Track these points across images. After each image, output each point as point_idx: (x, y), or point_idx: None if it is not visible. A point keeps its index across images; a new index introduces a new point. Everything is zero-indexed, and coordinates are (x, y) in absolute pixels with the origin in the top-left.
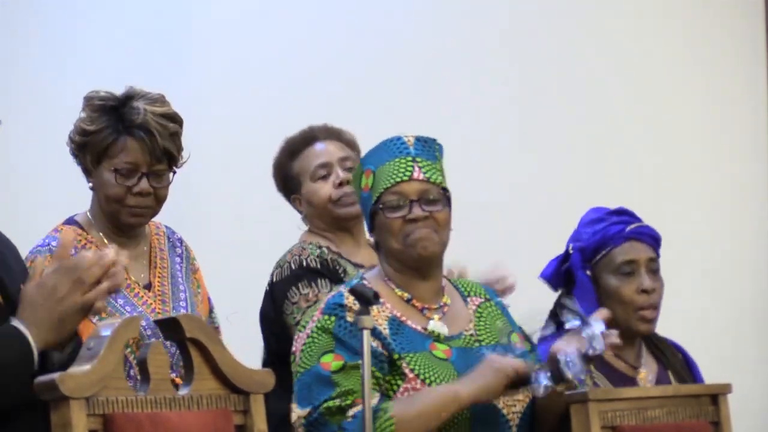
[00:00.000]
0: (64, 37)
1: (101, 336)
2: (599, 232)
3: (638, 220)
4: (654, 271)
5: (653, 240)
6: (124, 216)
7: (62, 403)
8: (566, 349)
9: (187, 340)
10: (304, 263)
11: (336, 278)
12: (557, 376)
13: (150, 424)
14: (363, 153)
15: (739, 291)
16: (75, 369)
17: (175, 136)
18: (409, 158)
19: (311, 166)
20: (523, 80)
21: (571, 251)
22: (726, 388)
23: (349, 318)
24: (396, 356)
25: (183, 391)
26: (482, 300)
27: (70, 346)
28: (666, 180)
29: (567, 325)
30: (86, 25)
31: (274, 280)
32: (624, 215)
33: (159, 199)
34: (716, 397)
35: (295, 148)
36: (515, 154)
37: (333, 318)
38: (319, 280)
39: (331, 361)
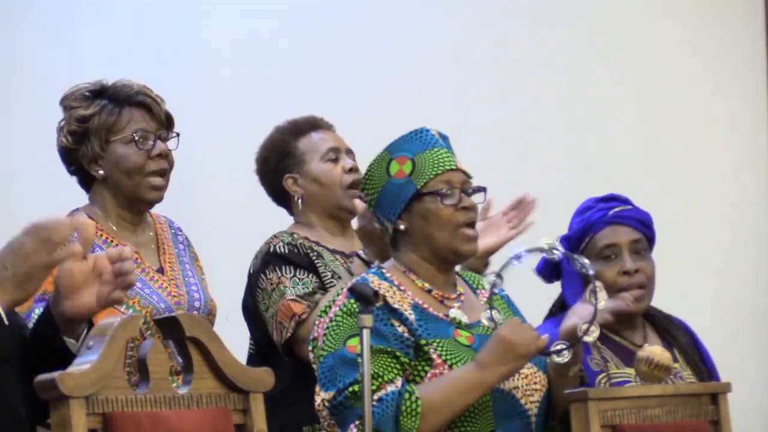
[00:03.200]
0: (63, 34)
1: (101, 335)
2: (584, 220)
3: (626, 204)
4: (638, 252)
5: (637, 222)
6: (144, 191)
7: (62, 402)
8: (576, 323)
9: (186, 338)
10: (272, 249)
11: (305, 263)
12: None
13: (149, 424)
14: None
15: (739, 290)
16: (74, 368)
17: (164, 105)
18: (444, 149)
19: (323, 147)
20: (522, 79)
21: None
22: (725, 387)
23: (375, 302)
24: (423, 342)
25: (182, 390)
26: (489, 294)
27: (83, 332)
28: (666, 179)
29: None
30: (85, 20)
31: (251, 271)
32: (612, 201)
33: (171, 164)
34: (716, 396)
35: (300, 128)
36: (516, 151)
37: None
38: (283, 266)
39: (357, 345)
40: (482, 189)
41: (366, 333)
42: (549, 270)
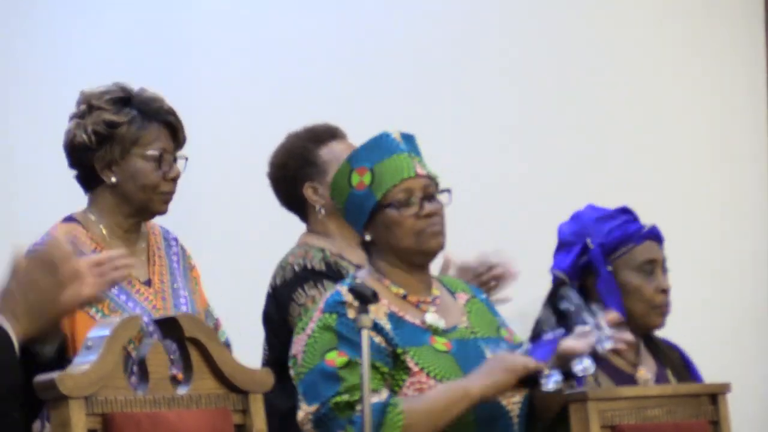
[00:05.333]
0: (63, 35)
1: (100, 335)
2: (618, 228)
3: (638, 219)
4: (665, 271)
5: (662, 241)
6: (156, 204)
7: (61, 402)
8: (577, 347)
9: (186, 339)
10: (309, 265)
11: (341, 279)
12: (567, 373)
13: (149, 424)
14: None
15: (739, 290)
16: (74, 368)
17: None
18: (405, 154)
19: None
20: (521, 79)
21: (591, 246)
22: (725, 388)
23: (351, 315)
24: (400, 350)
25: (182, 391)
26: (469, 296)
27: (56, 341)
28: (665, 179)
29: (578, 329)
30: (85, 23)
31: (277, 282)
32: (631, 214)
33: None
34: (715, 396)
35: (320, 137)
36: (513, 152)
37: (334, 315)
38: (324, 282)
39: (335, 358)
40: (446, 191)
41: (365, 333)
42: (574, 271)
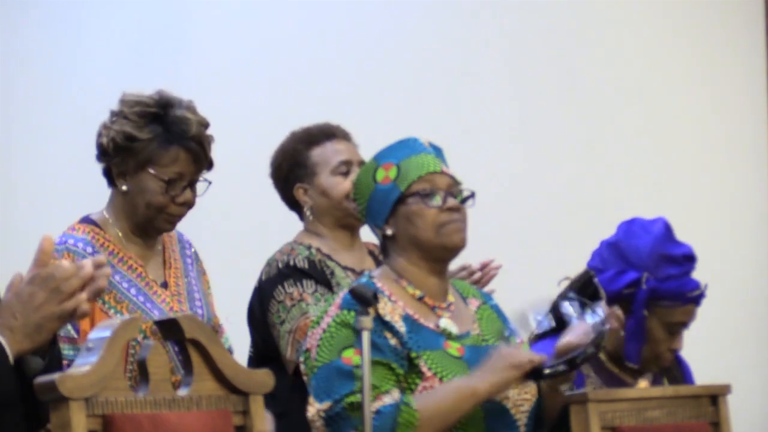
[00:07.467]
0: (65, 37)
1: (101, 336)
2: (675, 280)
3: (693, 264)
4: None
5: (700, 304)
6: (160, 222)
7: (62, 403)
8: (573, 341)
9: (186, 340)
10: (292, 263)
11: (323, 279)
12: (569, 362)
13: (149, 425)
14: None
15: (739, 291)
16: (74, 369)
17: (211, 147)
18: (432, 155)
19: (334, 160)
20: (520, 81)
21: (644, 285)
22: (725, 389)
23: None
24: (414, 354)
25: (182, 392)
26: (480, 302)
27: (48, 353)
28: (665, 179)
29: (572, 325)
30: (87, 25)
31: (263, 278)
32: (693, 263)
33: (191, 207)
34: (716, 397)
35: (314, 138)
36: (513, 155)
37: (352, 312)
38: (304, 281)
39: (352, 356)
40: (471, 196)
41: (366, 335)
42: (616, 296)
